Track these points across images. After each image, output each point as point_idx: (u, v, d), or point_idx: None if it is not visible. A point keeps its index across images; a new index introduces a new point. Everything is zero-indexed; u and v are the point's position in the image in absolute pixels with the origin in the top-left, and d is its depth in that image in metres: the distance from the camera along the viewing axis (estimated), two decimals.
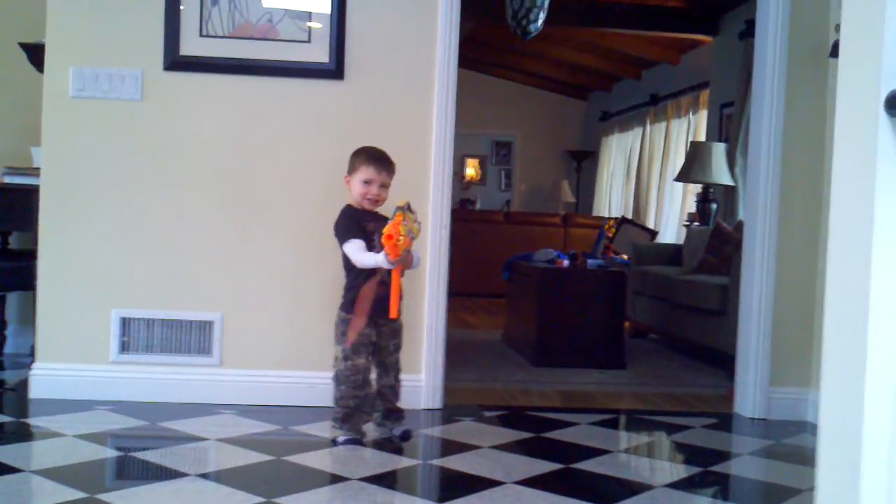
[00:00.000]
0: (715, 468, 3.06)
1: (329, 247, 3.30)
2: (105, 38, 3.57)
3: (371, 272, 3.07)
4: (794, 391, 3.83)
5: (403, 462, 3.00)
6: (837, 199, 1.66)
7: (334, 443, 3.08)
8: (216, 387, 3.59)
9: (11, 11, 4.58)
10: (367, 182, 3.12)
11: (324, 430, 3.21)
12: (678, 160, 9.11)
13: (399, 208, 2.92)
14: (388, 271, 3.03)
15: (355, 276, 3.11)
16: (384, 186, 3.14)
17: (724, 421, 3.80)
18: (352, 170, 3.16)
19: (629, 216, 10.04)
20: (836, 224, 1.63)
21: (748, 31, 7.07)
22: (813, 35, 3.83)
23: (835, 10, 3.79)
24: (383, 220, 3.05)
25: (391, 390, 3.22)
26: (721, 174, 6.83)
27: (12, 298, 4.52)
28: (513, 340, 5.62)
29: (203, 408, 3.49)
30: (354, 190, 3.14)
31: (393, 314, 3.04)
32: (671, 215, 9.37)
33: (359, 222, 3.10)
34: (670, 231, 9.24)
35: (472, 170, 13.30)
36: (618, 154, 11.62)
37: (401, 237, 2.88)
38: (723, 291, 4.90)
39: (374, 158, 3.14)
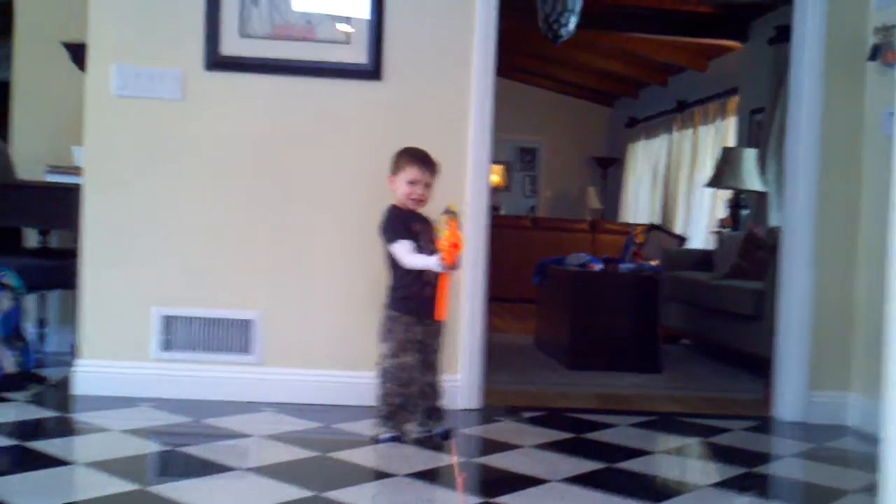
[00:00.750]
0: (758, 469, 3.05)
1: (369, 246, 3.32)
2: (146, 37, 3.61)
3: (419, 272, 3.08)
4: (834, 395, 3.81)
5: (446, 459, 3.01)
6: None
7: (377, 440, 3.10)
8: (256, 385, 3.61)
9: (54, 11, 4.63)
10: (411, 182, 3.13)
11: (366, 428, 3.23)
12: (706, 166, 9.09)
13: (451, 213, 2.93)
14: (436, 273, 3.05)
15: (402, 276, 3.12)
16: (428, 186, 3.16)
17: (764, 424, 3.78)
18: (396, 170, 3.18)
19: (657, 222, 10.02)
20: None
21: (779, 37, 7.05)
22: (851, 38, 3.82)
23: (873, 13, 3.77)
24: (428, 221, 3.07)
25: (433, 389, 3.23)
26: (752, 180, 6.80)
27: (53, 296, 4.56)
28: (545, 344, 5.62)
29: (244, 406, 3.51)
30: (399, 190, 3.16)
31: (442, 316, 3.05)
32: (699, 221, 9.34)
33: (405, 223, 3.12)
34: (699, 237, 9.21)
35: (496, 176, 13.31)
36: (644, 161, 11.60)
37: (457, 243, 2.91)
38: (758, 296, 4.88)
39: (419, 159, 3.16)
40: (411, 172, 3.13)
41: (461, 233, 2.94)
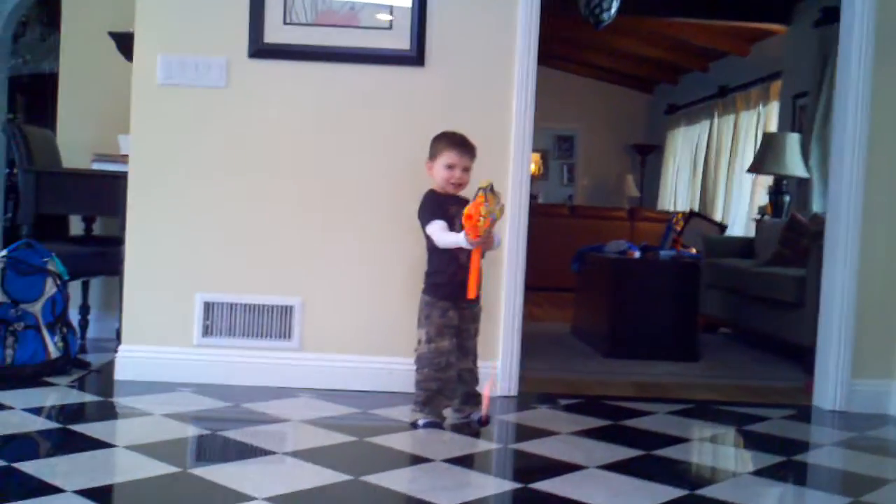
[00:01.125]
0: (798, 458, 3.02)
1: (410, 232, 3.33)
2: (191, 26, 3.65)
3: (453, 256, 3.09)
4: (876, 383, 3.77)
5: (484, 445, 3.01)
6: None
7: (414, 426, 3.12)
8: (296, 370, 3.64)
9: (98, 2, 4.71)
10: (449, 166, 3.14)
11: (403, 414, 3.25)
12: (747, 153, 8.98)
13: (482, 189, 2.93)
14: (468, 253, 3.04)
15: (437, 260, 3.14)
16: (466, 170, 3.17)
17: (803, 413, 3.75)
18: (434, 155, 3.19)
19: (696, 210, 9.93)
20: None
21: (824, 19, 6.93)
22: None
23: None
24: (466, 203, 3.08)
25: (470, 374, 3.24)
26: (795, 166, 6.71)
27: (95, 283, 4.64)
28: (582, 332, 5.61)
29: (283, 391, 3.55)
30: (437, 175, 3.17)
31: (471, 294, 3.04)
32: (740, 209, 9.24)
33: (441, 206, 3.13)
34: (739, 224, 9.11)
35: (533, 164, 13.25)
36: (684, 147, 11.49)
37: (481, 217, 2.89)
38: (800, 283, 4.82)
39: (456, 143, 3.17)
40: (449, 156, 3.14)
41: (490, 207, 2.91)
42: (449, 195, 3.17)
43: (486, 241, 3.02)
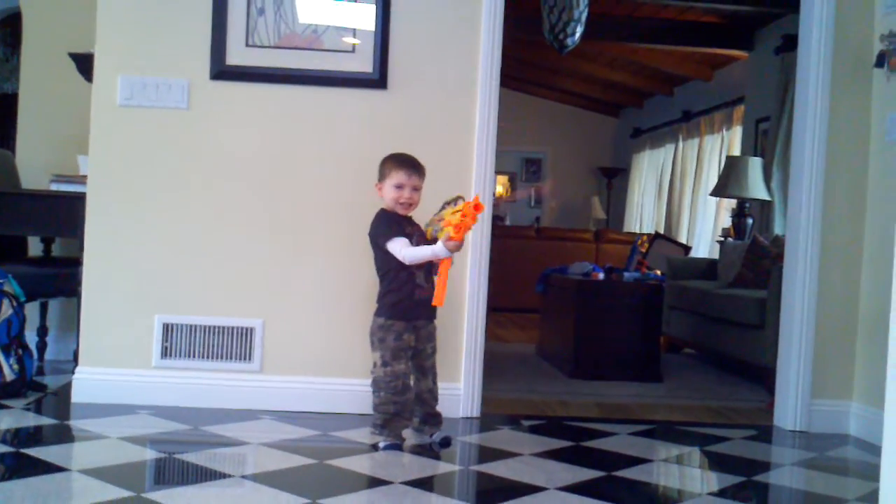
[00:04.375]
0: (757, 478, 3.03)
1: (370, 254, 3.31)
2: (152, 47, 3.62)
3: (410, 275, 3.08)
4: (836, 403, 3.80)
5: (444, 467, 3.00)
6: None
7: (375, 448, 3.09)
8: (256, 393, 3.61)
9: (59, 23, 4.67)
10: (398, 186, 3.14)
11: (363, 435, 3.23)
12: (711, 176, 9.08)
13: (455, 199, 3.00)
14: (426, 273, 3.07)
15: (392, 279, 3.13)
16: (416, 189, 3.17)
17: (765, 433, 3.76)
18: (382, 176, 3.19)
19: (661, 232, 10.01)
20: None
21: (785, 46, 7.05)
22: (857, 45, 3.81)
23: (880, 20, 3.77)
24: (417, 224, 3.08)
25: (430, 394, 3.23)
26: (757, 188, 6.79)
27: (53, 305, 4.57)
28: (547, 353, 5.61)
29: (243, 413, 3.51)
30: (387, 195, 3.16)
31: (439, 302, 3.03)
32: (704, 231, 9.33)
33: (398, 224, 3.13)
34: (703, 246, 9.19)
35: (500, 187, 13.30)
36: (649, 170, 11.59)
37: (467, 218, 2.93)
38: (761, 305, 4.86)
39: (403, 162, 3.17)
40: (398, 177, 3.14)
41: (467, 211, 2.97)
42: (400, 215, 3.16)
43: (458, 250, 3.03)
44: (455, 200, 3.02)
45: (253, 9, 3.62)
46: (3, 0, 6.75)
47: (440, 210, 3.10)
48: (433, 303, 3.05)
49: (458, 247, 3.00)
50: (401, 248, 3.07)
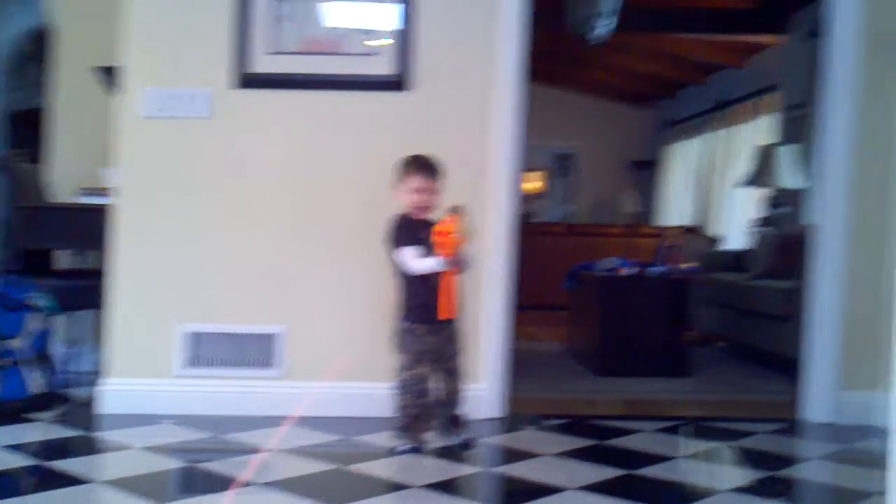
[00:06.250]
0: (782, 473, 3.00)
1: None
2: (178, 59, 3.65)
3: (424, 279, 3.09)
4: (864, 395, 3.74)
5: (465, 470, 2.99)
6: None
7: (396, 452, 3.10)
8: (279, 398, 3.63)
9: (81, 38, 4.75)
10: (416, 190, 3.14)
11: (385, 439, 3.24)
12: (745, 165, 8.96)
13: (454, 208, 2.97)
14: (438, 276, 3.06)
15: (410, 284, 3.13)
16: (434, 193, 3.16)
17: (792, 426, 3.72)
18: (400, 180, 3.19)
19: (695, 224, 9.91)
20: None
21: (819, 29, 6.91)
22: (889, 28, 3.72)
23: None
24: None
25: (453, 396, 3.23)
26: (790, 177, 6.68)
27: (82, 316, 4.62)
28: (575, 351, 5.58)
29: (266, 420, 3.53)
30: (405, 199, 3.17)
31: (445, 315, 3.05)
32: (736, 222, 9.21)
33: (411, 231, 3.12)
34: (736, 238, 9.08)
35: (537, 182, 13.22)
36: (682, 162, 11.48)
37: (453, 234, 2.92)
38: (787, 296, 4.79)
39: (421, 165, 3.16)
40: (415, 181, 3.14)
41: (463, 226, 2.96)
42: (419, 220, 3.16)
43: (461, 262, 3.02)
44: (455, 209, 2.99)
45: (273, 15, 3.64)
46: (30, 18, 6.88)
47: (443, 218, 3.07)
48: (439, 316, 3.06)
49: (457, 261, 3.00)
50: (407, 260, 3.08)
